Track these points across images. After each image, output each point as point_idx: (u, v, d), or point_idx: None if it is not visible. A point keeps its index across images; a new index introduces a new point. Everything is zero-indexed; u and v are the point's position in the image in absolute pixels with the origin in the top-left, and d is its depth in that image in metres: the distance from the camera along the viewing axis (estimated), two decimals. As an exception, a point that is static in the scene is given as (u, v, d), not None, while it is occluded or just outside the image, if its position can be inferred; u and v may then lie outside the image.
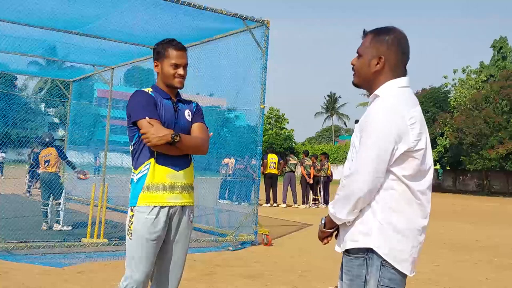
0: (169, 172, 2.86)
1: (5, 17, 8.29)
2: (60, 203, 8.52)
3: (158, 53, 2.99)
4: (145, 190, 2.83)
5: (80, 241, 7.00)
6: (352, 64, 2.25)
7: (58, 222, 8.51)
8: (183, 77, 2.97)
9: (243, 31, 8.16)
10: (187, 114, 3.02)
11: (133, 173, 2.91)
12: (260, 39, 8.02)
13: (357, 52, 2.24)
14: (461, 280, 6.15)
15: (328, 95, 76.46)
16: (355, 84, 2.27)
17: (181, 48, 2.98)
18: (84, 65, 13.16)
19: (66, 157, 8.93)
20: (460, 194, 33.00)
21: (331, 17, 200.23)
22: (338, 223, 2.13)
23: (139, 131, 2.82)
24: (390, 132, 1.99)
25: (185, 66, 2.98)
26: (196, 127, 3.04)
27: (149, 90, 2.97)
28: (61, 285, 5.00)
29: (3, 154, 23.08)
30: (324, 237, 2.24)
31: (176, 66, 2.94)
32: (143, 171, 2.85)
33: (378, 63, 2.14)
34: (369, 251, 2.04)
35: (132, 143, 2.92)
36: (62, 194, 8.64)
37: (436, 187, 33.76)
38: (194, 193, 3.06)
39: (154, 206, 2.83)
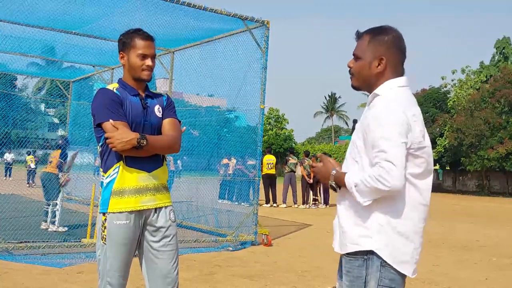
0: (141, 174, 2.72)
1: (5, 17, 8.29)
2: (56, 204, 8.49)
3: (124, 43, 2.79)
4: (115, 195, 2.68)
5: (80, 241, 7.01)
6: (349, 67, 2.22)
7: (53, 222, 8.47)
8: (151, 68, 2.79)
9: (243, 31, 8.16)
10: (157, 110, 2.84)
11: (103, 176, 2.75)
12: (260, 40, 8.02)
13: (354, 54, 2.20)
14: (461, 280, 6.15)
15: (328, 95, 76.45)
16: (354, 87, 2.24)
17: (149, 38, 2.79)
18: (84, 65, 13.17)
19: (62, 159, 8.74)
20: (460, 194, 32.99)
21: (331, 17, 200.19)
22: (356, 200, 2.06)
23: (105, 133, 2.67)
24: (401, 126, 1.97)
25: (153, 57, 2.81)
26: (166, 124, 2.84)
27: (114, 87, 2.79)
28: (61, 285, 5.00)
29: (12, 155, 22.96)
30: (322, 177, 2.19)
31: (144, 56, 2.75)
32: (112, 175, 2.70)
33: (379, 65, 2.12)
34: (369, 252, 2.03)
35: (99, 144, 2.76)
36: (60, 195, 8.58)
37: (436, 187, 33.72)
38: (169, 192, 2.91)
39: (127, 212, 2.68)
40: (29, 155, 20.32)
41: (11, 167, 21.92)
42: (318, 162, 2.29)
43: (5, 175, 22.29)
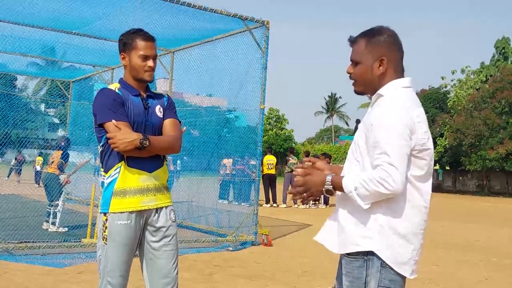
0: (142, 175, 2.72)
1: (5, 17, 8.30)
2: (58, 204, 8.50)
3: (125, 44, 2.78)
4: (117, 195, 2.69)
5: (80, 241, 7.01)
6: (349, 73, 2.20)
7: (54, 223, 8.48)
8: (153, 69, 2.79)
9: (243, 31, 8.16)
10: (158, 110, 2.84)
11: (103, 176, 2.75)
12: (260, 40, 8.02)
13: (352, 60, 2.18)
14: (461, 280, 6.15)
15: (328, 95, 76.45)
16: (358, 92, 2.23)
17: (150, 38, 2.79)
18: (84, 65, 13.17)
19: (63, 160, 8.78)
20: (460, 194, 32.95)
21: (331, 17, 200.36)
22: (356, 204, 2.03)
23: (107, 133, 2.67)
24: (404, 128, 1.96)
25: (154, 58, 2.80)
26: (167, 124, 2.85)
27: (116, 87, 2.78)
28: (61, 285, 5.00)
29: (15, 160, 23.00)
30: (309, 195, 2.13)
31: (145, 57, 2.75)
32: (113, 175, 2.70)
33: (380, 66, 2.11)
34: (369, 253, 2.02)
35: (100, 144, 2.75)
36: (62, 196, 8.61)
37: (436, 187, 33.68)
38: (170, 193, 2.91)
39: (128, 212, 2.69)
40: (39, 155, 20.43)
41: (19, 168, 22.01)
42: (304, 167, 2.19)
43: (12, 176, 22.36)
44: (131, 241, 2.73)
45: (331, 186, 2.07)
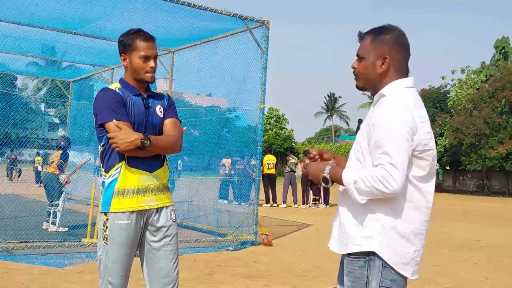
0: (142, 175, 2.72)
1: (5, 17, 8.30)
2: (58, 204, 8.50)
3: (125, 45, 2.77)
4: (117, 195, 2.69)
5: (80, 241, 7.01)
6: (353, 68, 2.21)
7: (54, 223, 8.48)
8: (154, 70, 2.80)
9: (243, 31, 8.16)
10: (159, 110, 2.85)
11: (104, 176, 2.75)
12: (260, 39, 8.02)
13: (358, 55, 2.20)
14: (461, 280, 6.15)
15: (328, 95, 76.41)
16: (360, 87, 2.24)
17: (150, 38, 2.78)
18: (84, 65, 13.17)
19: (63, 160, 8.78)
20: (460, 194, 32.94)
21: (331, 17, 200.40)
22: (350, 194, 2.05)
23: (107, 133, 2.67)
24: (406, 128, 1.96)
25: (155, 58, 2.80)
26: (168, 124, 2.85)
27: (116, 87, 2.78)
28: (61, 285, 5.00)
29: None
30: (316, 178, 2.16)
31: (146, 58, 2.74)
32: (114, 175, 2.70)
33: (383, 64, 2.12)
34: (371, 253, 2.02)
35: (101, 144, 2.75)
36: (62, 196, 8.60)
37: (436, 187, 33.02)
38: (170, 192, 2.91)
39: (129, 212, 2.69)
40: (38, 155, 20.37)
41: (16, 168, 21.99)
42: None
43: (12, 176, 22.34)
44: (132, 241, 2.73)
45: (328, 175, 2.09)
